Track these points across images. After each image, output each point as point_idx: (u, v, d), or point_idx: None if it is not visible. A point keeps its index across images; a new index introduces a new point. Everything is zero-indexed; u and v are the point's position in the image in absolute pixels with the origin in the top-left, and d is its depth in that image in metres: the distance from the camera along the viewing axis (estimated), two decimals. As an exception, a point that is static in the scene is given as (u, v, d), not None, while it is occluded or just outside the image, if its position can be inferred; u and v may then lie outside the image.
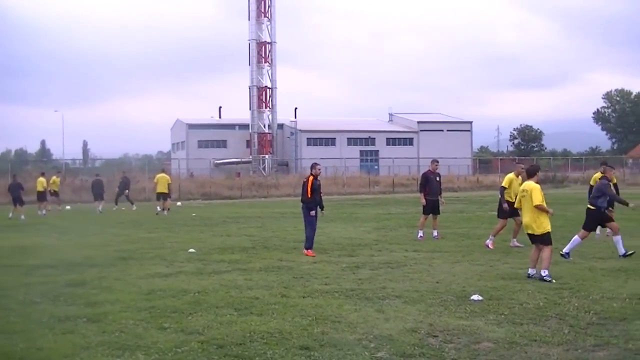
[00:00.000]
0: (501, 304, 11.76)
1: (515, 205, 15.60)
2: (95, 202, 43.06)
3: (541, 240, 14.57)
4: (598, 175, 21.16)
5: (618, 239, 17.76)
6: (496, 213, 21.08)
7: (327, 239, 23.06)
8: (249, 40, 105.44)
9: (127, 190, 45.09)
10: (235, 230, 27.36)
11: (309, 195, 19.25)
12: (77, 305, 12.12)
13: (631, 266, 15.88)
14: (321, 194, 19.60)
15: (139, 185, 58.53)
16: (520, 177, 20.08)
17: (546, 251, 14.44)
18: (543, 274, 14.23)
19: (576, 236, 17.69)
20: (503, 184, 20.81)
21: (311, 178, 19.39)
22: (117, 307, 11.88)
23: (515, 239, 20.25)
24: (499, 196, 20.73)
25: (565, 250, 17.25)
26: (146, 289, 13.71)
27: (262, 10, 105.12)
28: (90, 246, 21.92)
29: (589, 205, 18.27)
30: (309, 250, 19.10)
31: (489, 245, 19.78)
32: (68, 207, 46.04)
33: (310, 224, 19.41)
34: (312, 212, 19.44)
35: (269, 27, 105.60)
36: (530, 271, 14.67)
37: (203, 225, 30.31)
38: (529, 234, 14.84)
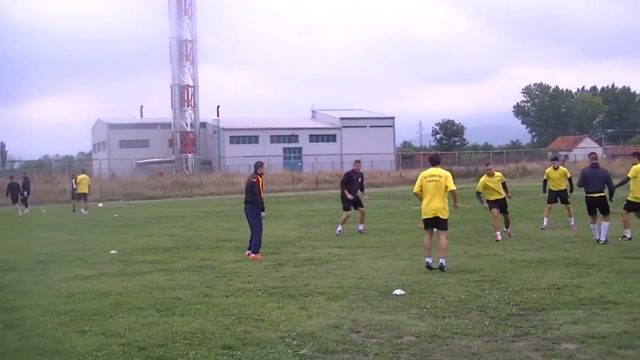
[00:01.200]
0: (423, 297, 11.84)
1: (415, 190, 15.69)
2: (13, 205, 42.20)
3: (444, 225, 15.06)
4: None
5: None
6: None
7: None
8: (170, 38, 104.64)
9: (26, 192, 43.92)
10: (157, 230, 27.13)
11: (262, 195, 18.52)
12: (-5, 311, 11.86)
13: (549, 257, 16.16)
14: None
15: (60, 187, 57.65)
16: (491, 176, 21.05)
17: (443, 238, 14.98)
18: (443, 264, 14.71)
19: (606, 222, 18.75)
20: (478, 190, 21.26)
21: (260, 178, 18.69)
22: (36, 311, 11.66)
23: (499, 232, 20.44)
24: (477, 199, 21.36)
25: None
26: (66, 292, 13.49)
27: (183, 8, 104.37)
28: (8, 250, 21.50)
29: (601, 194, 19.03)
30: (258, 254, 18.15)
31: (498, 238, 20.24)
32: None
33: (261, 227, 18.57)
34: (264, 214, 18.70)
35: (190, 24, 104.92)
36: (428, 260, 15.01)
37: (125, 226, 29.97)
38: (432, 218, 15.09)
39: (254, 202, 18.50)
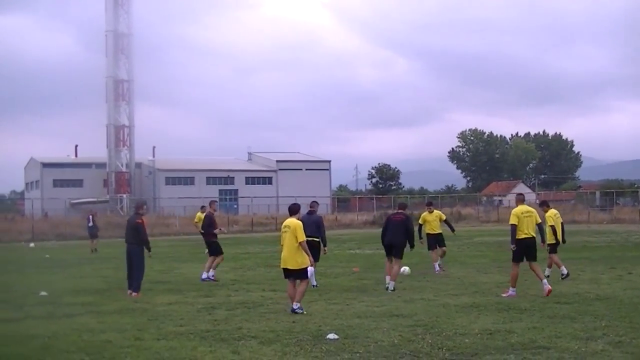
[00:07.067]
0: (356, 342, 11.80)
1: (280, 242, 15.80)
2: None
3: (299, 275, 15.25)
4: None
5: None
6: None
7: (183, 279, 22.83)
8: (106, 77, 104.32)
9: None
10: (90, 271, 26.74)
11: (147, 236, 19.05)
12: None
13: (482, 302, 16.24)
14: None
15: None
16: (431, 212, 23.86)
17: (303, 286, 15.22)
18: (295, 307, 15.04)
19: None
20: (420, 221, 23.48)
21: (143, 219, 19.22)
22: (-41, 355, 11.37)
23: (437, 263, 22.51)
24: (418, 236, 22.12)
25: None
26: (-9, 335, 13.18)
27: (120, 47, 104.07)
28: None
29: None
30: (139, 293, 18.68)
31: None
32: None
33: (143, 266, 19.12)
34: (149, 254, 19.15)
35: (126, 64, 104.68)
36: (295, 305, 15.16)
37: (56, 267, 29.48)
38: (285, 269, 15.31)
39: (138, 242, 18.89)
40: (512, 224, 17.28)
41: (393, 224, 19.42)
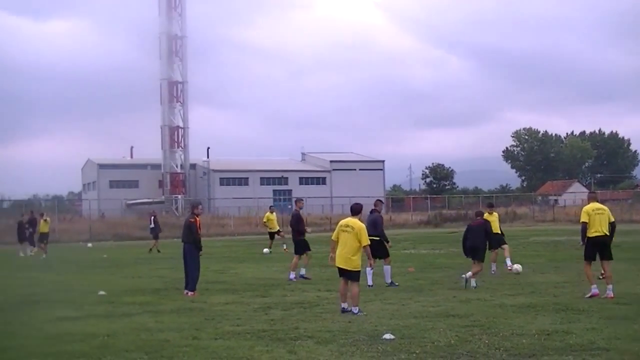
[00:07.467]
0: (413, 342, 11.77)
1: (333, 237, 15.79)
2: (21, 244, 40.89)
3: (351, 276, 15.13)
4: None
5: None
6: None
7: (238, 279, 22.95)
8: (160, 79, 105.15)
9: (31, 230, 42.47)
10: (146, 271, 27.00)
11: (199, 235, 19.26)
12: (-20, 352, 11.77)
13: (539, 302, 16.10)
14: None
15: (49, 227, 57.29)
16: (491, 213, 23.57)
17: (355, 288, 15.08)
18: (355, 311, 14.91)
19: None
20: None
21: (198, 218, 19.38)
22: (22, 353, 11.58)
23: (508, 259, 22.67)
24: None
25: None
26: (53, 333, 13.39)
27: (174, 49, 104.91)
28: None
29: None
30: (195, 292, 18.92)
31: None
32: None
33: (198, 266, 19.31)
34: (201, 253, 19.46)
35: (180, 66, 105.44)
36: (343, 305, 15.24)
37: (114, 266, 29.84)
38: (340, 268, 15.25)
39: (190, 241, 19.12)
40: (582, 222, 17.04)
41: (473, 229, 20.07)
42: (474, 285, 19.08)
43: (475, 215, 21.52)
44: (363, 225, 15.29)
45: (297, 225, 22.80)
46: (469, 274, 19.41)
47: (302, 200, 24.38)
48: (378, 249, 19.72)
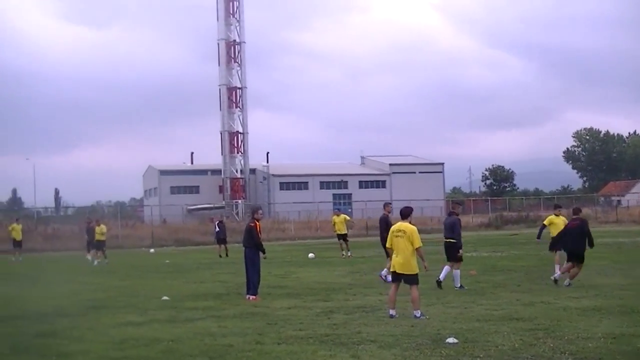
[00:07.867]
0: (476, 346, 11.69)
1: (387, 245, 15.77)
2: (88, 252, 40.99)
3: (411, 280, 15.09)
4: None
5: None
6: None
7: (300, 283, 22.98)
8: (219, 85, 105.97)
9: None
10: (208, 276, 27.18)
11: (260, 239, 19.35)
12: (48, 357, 11.95)
13: (604, 305, 15.89)
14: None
15: (112, 233, 58.11)
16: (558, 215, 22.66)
17: (414, 291, 15.03)
18: (417, 315, 14.87)
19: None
20: (545, 223, 22.81)
21: (258, 223, 19.50)
22: (88, 357, 11.74)
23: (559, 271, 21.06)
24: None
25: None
26: (118, 338, 13.54)
27: (232, 56, 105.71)
28: (61, 295, 21.67)
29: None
30: (257, 297, 19.06)
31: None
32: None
33: (259, 269, 19.42)
34: (264, 256, 19.59)
35: (239, 72, 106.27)
36: (391, 312, 15.23)
37: (176, 272, 30.12)
38: (397, 273, 15.21)
39: (252, 245, 19.20)
40: None
41: (571, 231, 20.13)
42: (567, 284, 19.62)
43: (572, 212, 21.45)
44: (414, 228, 15.24)
45: (386, 231, 22.69)
46: (567, 280, 19.79)
47: (390, 204, 24.54)
48: (451, 253, 20.08)
